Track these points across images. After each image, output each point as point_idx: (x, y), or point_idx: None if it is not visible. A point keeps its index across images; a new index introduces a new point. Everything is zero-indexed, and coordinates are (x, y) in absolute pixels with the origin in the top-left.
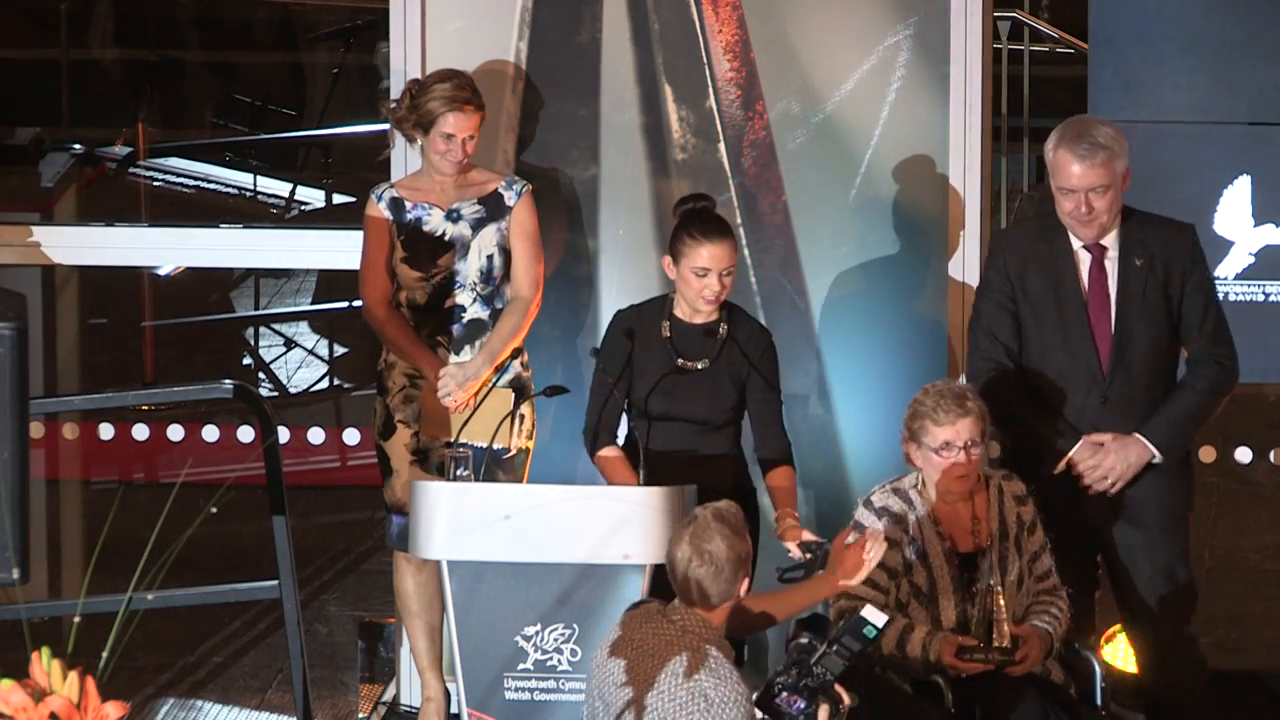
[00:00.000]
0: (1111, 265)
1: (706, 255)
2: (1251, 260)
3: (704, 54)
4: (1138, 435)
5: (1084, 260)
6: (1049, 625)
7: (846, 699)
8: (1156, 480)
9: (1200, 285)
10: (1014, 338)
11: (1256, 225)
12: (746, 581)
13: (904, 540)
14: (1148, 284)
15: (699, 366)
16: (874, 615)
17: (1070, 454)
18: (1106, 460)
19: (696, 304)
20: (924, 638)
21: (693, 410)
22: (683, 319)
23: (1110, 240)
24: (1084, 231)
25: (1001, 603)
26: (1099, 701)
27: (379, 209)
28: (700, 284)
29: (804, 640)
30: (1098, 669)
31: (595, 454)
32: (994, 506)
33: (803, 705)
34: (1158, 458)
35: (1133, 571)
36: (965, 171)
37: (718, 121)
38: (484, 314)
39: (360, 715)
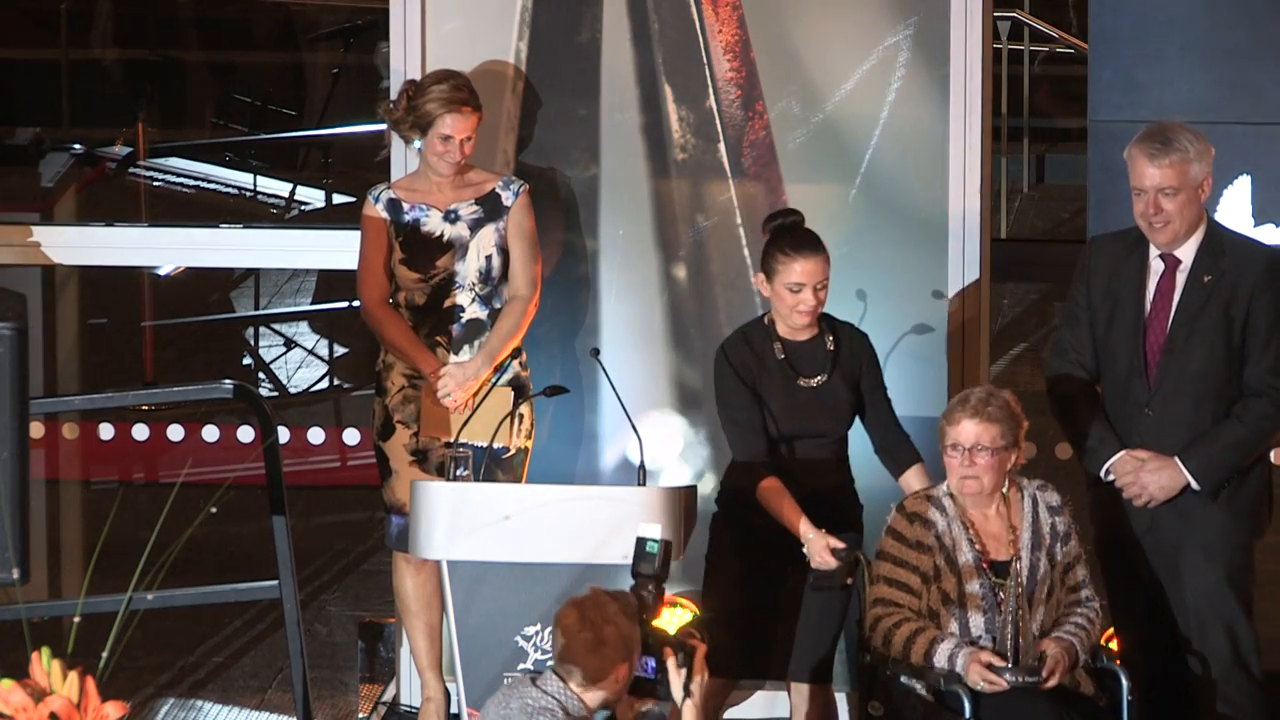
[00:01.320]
0: (1182, 278)
1: (800, 270)
2: None
3: (704, 54)
4: (1175, 459)
5: (1155, 271)
6: (1076, 636)
7: (699, 644)
8: (1199, 503)
9: (1265, 311)
10: (1088, 346)
11: (1257, 225)
12: (626, 666)
13: (935, 547)
14: (1210, 302)
15: (816, 383)
16: (649, 530)
17: (1109, 463)
18: (1142, 477)
19: (791, 319)
20: (951, 649)
21: (819, 425)
22: (790, 338)
23: (1186, 253)
24: (1155, 236)
25: (1031, 620)
26: (1125, 715)
27: (376, 210)
28: (795, 299)
29: None
30: (1124, 683)
31: (759, 486)
32: (1027, 515)
33: (652, 663)
34: (1194, 485)
35: (1170, 590)
36: (965, 171)
37: (718, 121)
38: (483, 314)
39: (360, 715)
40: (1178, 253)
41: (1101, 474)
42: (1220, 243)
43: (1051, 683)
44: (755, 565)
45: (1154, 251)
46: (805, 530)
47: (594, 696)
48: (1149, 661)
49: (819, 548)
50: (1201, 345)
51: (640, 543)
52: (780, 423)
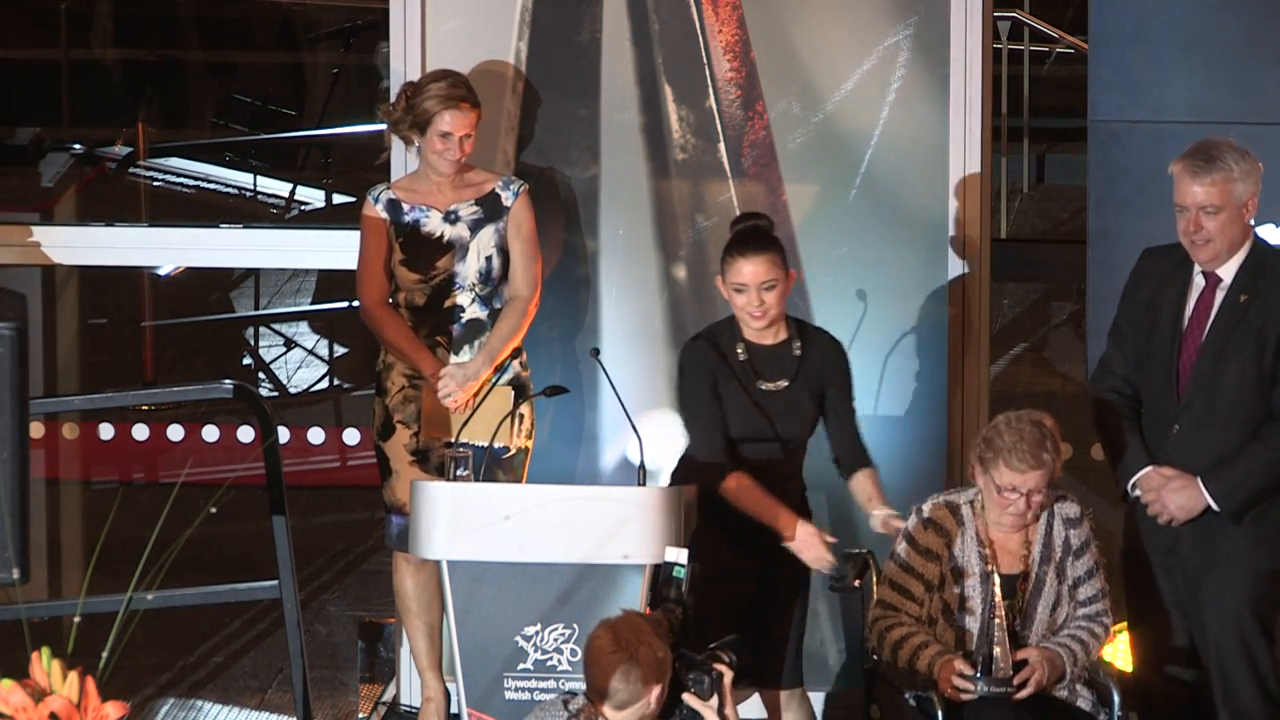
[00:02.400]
0: (1220, 297)
1: (743, 272)
2: None
3: (704, 54)
4: (1198, 480)
5: (1196, 288)
6: (1067, 648)
7: (726, 670)
8: (1221, 526)
9: None
10: (1129, 358)
11: (1257, 225)
12: (658, 689)
13: (944, 555)
14: (1243, 322)
15: (778, 387)
16: (675, 554)
17: (1136, 478)
18: (1164, 495)
19: (744, 319)
20: (933, 656)
21: (776, 430)
22: (754, 341)
23: (1227, 271)
24: (1196, 254)
25: (1027, 631)
26: None
27: (376, 210)
28: (742, 299)
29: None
30: (1116, 698)
31: (727, 484)
32: (1041, 528)
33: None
34: (1214, 507)
35: (1189, 611)
36: (965, 171)
37: (718, 121)
38: (483, 314)
39: (360, 715)
40: (1220, 271)
41: (1129, 488)
42: (1262, 262)
43: (1024, 693)
44: (721, 566)
45: (1198, 268)
46: (794, 525)
47: (626, 717)
48: (1162, 679)
49: (814, 545)
50: (1232, 365)
51: (667, 567)
52: (737, 425)
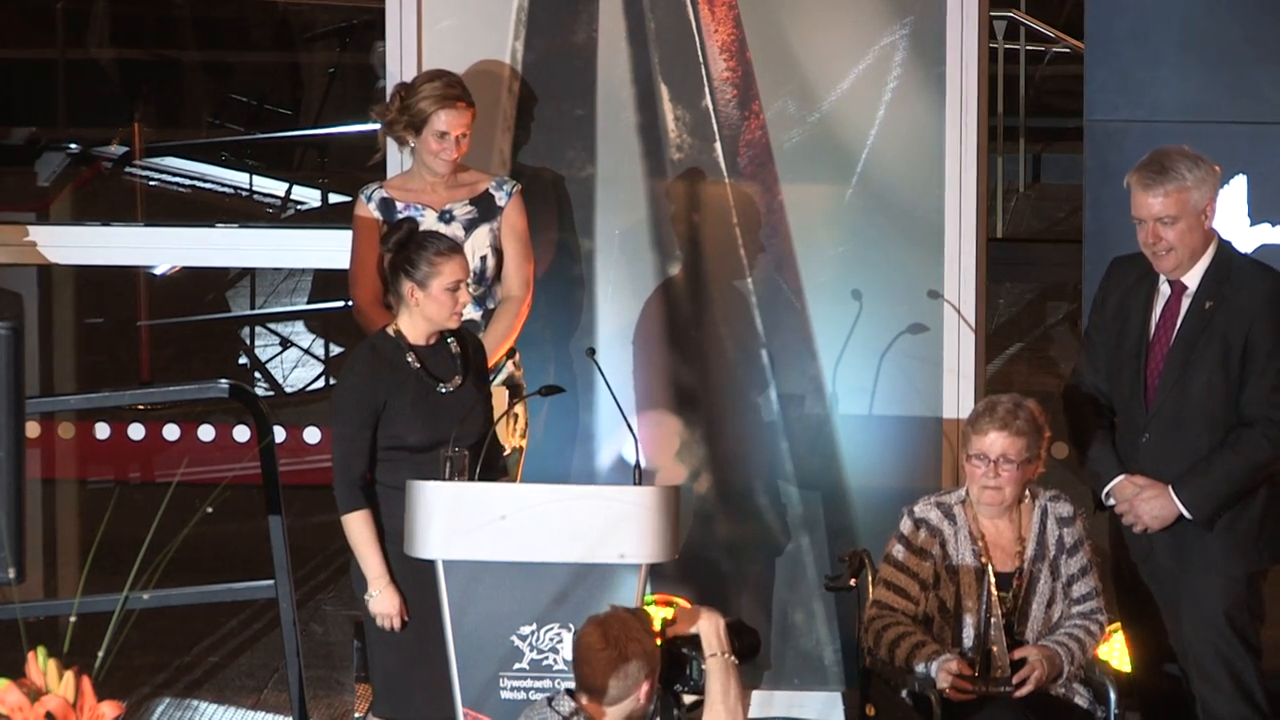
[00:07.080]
0: (1186, 304)
1: (459, 267)
2: None
3: (700, 53)
4: (1169, 489)
5: (1162, 296)
6: (1064, 646)
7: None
8: (1194, 532)
9: (1264, 338)
10: (1100, 368)
11: (1253, 225)
12: (647, 685)
13: (937, 554)
14: (1209, 328)
15: (453, 387)
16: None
17: (1108, 487)
18: (1137, 505)
19: (450, 322)
20: (929, 655)
21: (458, 429)
22: (420, 345)
23: (1192, 278)
24: (1158, 264)
25: (1024, 630)
26: None
27: (368, 209)
28: (453, 299)
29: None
30: (1112, 695)
31: (357, 511)
32: (1034, 527)
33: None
34: (1186, 515)
35: (1169, 619)
36: (961, 171)
37: (714, 121)
38: (476, 315)
39: (356, 715)
40: (1185, 278)
41: (1102, 497)
42: (1227, 267)
43: (1024, 691)
44: None
45: (1164, 276)
46: (381, 581)
47: (615, 714)
48: (1160, 678)
49: (389, 608)
50: (1199, 372)
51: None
52: (420, 432)
